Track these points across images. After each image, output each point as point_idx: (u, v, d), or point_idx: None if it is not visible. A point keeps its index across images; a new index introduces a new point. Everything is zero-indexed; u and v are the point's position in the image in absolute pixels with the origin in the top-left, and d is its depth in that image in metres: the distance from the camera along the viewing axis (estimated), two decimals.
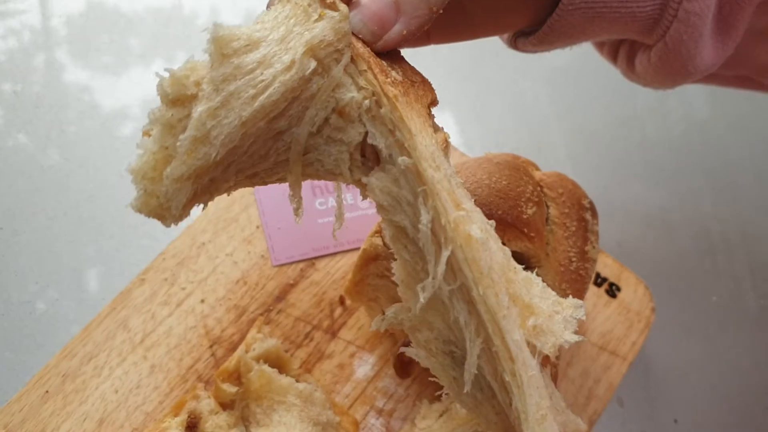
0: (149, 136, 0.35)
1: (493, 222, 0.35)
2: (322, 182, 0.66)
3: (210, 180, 0.33)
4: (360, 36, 0.36)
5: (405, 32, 0.37)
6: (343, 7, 0.34)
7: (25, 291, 0.65)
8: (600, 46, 0.54)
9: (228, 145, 0.32)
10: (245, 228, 0.63)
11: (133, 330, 0.59)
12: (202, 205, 0.36)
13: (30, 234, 0.68)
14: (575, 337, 0.35)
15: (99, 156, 0.74)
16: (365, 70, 0.34)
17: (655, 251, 0.71)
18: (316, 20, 0.34)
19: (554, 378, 0.51)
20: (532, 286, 0.36)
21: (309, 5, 0.34)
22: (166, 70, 0.32)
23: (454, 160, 0.41)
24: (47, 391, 0.56)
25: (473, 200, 0.35)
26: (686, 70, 0.47)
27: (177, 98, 0.33)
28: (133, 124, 0.77)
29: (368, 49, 0.35)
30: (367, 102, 0.34)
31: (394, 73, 0.36)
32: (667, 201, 0.76)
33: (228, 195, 0.37)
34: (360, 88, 0.34)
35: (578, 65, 0.85)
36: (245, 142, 0.33)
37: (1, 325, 0.63)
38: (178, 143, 0.32)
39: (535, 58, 0.83)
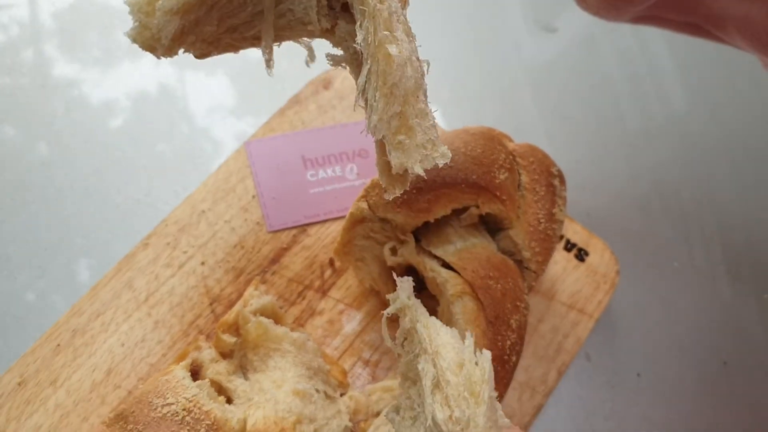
0: None
1: (427, 61, 0.39)
2: (313, 155, 0.70)
3: (195, 19, 0.37)
4: None
5: None
6: None
7: (15, 281, 0.68)
8: None
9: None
10: (242, 197, 0.68)
11: (137, 289, 0.63)
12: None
13: (18, 225, 0.71)
14: None
15: (87, 149, 0.76)
16: None
17: (622, 221, 0.76)
18: None
19: (523, 331, 0.56)
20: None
21: None
22: None
23: None
24: (59, 345, 0.60)
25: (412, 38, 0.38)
26: None
27: None
28: (122, 118, 0.79)
29: None
30: None
31: None
32: (637, 178, 0.80)
33: (209, 53, 0.40)
34: None
35: (561, 60, 0.89)
36: None
37: None
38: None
39: (518, 47, 0.88)
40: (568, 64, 0.89)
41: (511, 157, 0.60)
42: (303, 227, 0.67)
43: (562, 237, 0.68)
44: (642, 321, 0.70)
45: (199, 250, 0.65)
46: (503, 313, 0.54)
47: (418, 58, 0.38)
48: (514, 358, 0.54)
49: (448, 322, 0.55)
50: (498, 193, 0.57)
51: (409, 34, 0.38)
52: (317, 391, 0.56)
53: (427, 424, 0.38)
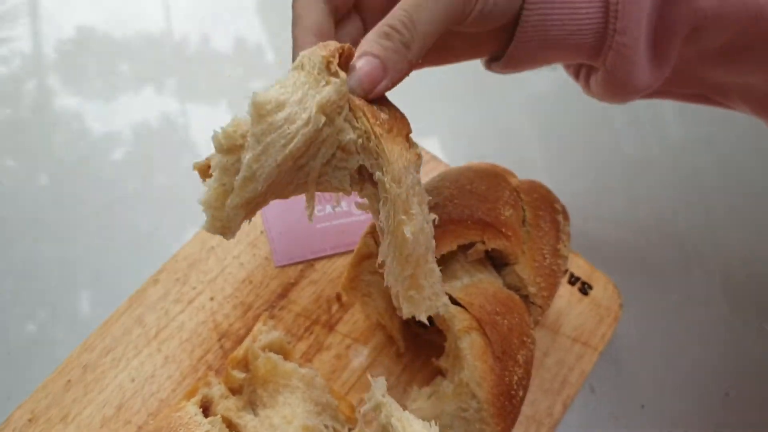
0: (200, 170, 0.47)
1: (434, 217, 0.47)
2: (320, 193, 0.71)
3: (255, 203, 0.44)
4: (355, 94, 0.45)
5: (390, 84, 0.46)
6: (342, 74, 0.44)
7: (16, 313, 0.68)
8: (566, 66, 0.60)
9: (268, 180, 0.42)
10: (250, 233, 0.69)
11: (148, 325, 0.64)
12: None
13: (21, 256, 0.71)
14: None
15: (89, 180, 0.77)
16: (360, 117, 0.44)
17: (624, 255, 0.77)
18: (324, 85, 0.43)
19: (530, 366, 0.57)
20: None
21: (318, 74, 0.43)
22: (219, 128, 0.42)
23: (438, 169, 0.54)
24: (69, 380, 0.61)
25: (428, 202, 0.47)
26: (626, 90, 0.55)
27: (229, 148, 0.43)
28: (124, 149, 0.80)
29: (363, 100, 0.45)
30: (360, 140, 0.44)
31: (382, 114, 0.45)
32: (637, 210, 0.81)
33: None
34: (356, 130, 0.44)
35: (558, 89, 0.91)
36: (279, 176, 0.43)
37: None
38: (234, 182, 0.42)
39: (517, 82, 0.90)
40: (567, 97, 0.90)
41: (515, 193, 0.61)
42: (310, 262, 0.68)
43: (566, 271, 0.69)
44: (645, 353, 0.71)
45: (208, 285, 0.66)
46: (510, 349, 0.55)
47: (428, 222, 0.46)
48: (521, 393, 0.55)
49: (456, 357, 0.56)
50: (503, 229, 0.58)
51: (422, 202, 0.46)
52: (326, 426, 0.56)
53: None
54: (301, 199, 0.70)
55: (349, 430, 0.59)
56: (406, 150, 0.45)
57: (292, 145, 0.43)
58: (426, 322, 0.48)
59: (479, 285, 0.58)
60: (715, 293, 0.76)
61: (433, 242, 0.47)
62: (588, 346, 0.66)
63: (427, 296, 0.47)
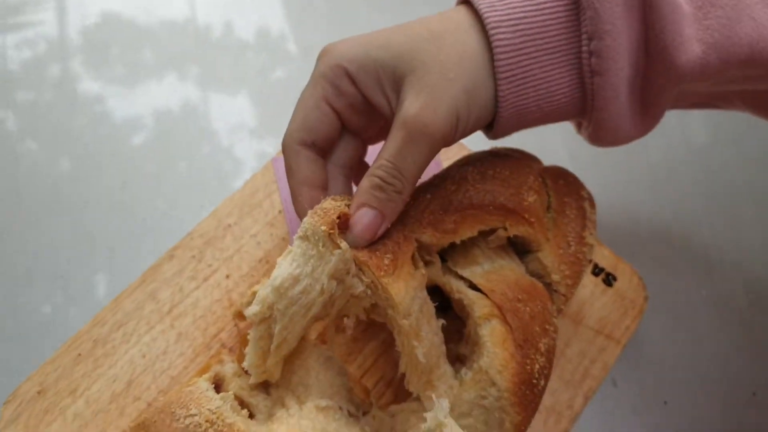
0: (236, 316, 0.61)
1: (442, 323, 0.54)
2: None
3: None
4: (358, 246, 0.49)
5: (388, 225, 0.50)
6: (343, 244, 0.48)
7: (32, 294, 0.68)
8: None
9: (297, 340, 0.52)
10: (268, 213, 0.68)
11: (161, 301, 0.63)
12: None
13: (41, 238, 0.71)
14: None
15: (110, 165, 0.77)
16: (367, 271, 0.49)
17: (648, 249, 0.75)
18: (330, 254, 0.48)
19: (551, 355, 0.55)
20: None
21: (322, 247, 0.48)
22: (252, 307, 0.50)
23: (461, 155, 0.58)
24: (79, 354, 0.60)
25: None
26: (614, 143, 0.55)
27: (262, 319, 0.50)
28: (145, 135, 0.79)
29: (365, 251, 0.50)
30: (368, 290, 0.50)
31: (385, 258, 0.50)
32: (662, 208, 0.79)
33: None
34: (363, 282, 0.50)
35: None
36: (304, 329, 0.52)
37: (7, 328, 0.66)
38: (271, 347, 0.51)
39: None
40: None
41: (540, 179, 0.60)
42: None
43: (590, 261, 0.67)
44: (670, 348, 0.69)
45: (224, 263, 0.65)
46: (532, 337, 0.53)
47: (437, 334, 0.53)
48: (542, 382, 0.53)
49: (475, 344, 0.54)
50: (526, 216, 0.57)
51: (431, 317, 0.53)
52: (340, 408, 0.55)
53: None
54: None
55: (364, 413, 0.58)
56: (411, 278, 0.51)
57: (312, 311, 0.50)
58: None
59: (501, 271, 0.56)
60: (741, 293, 0.73)
61: (443, 347, 0.54)
62: (611, 339, 0.64)
63: (442, 392, 0.53)
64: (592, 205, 0.61)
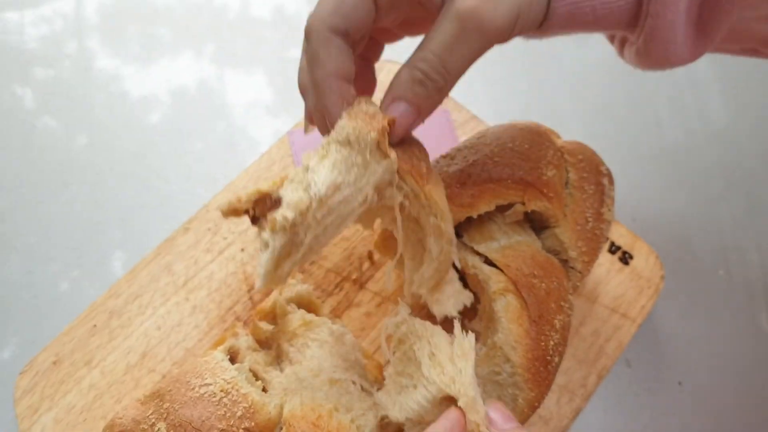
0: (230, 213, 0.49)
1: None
2: None
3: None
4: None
5: (420, 123, 0.47)
6: (392, 154, 0.45)
7: (49, 269, 0.68)
8: None
9: (321, 251, 0.50)
10: None
11: (176, 273, 0.63)
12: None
13: (58, 213, 0.72)
14: None
15: (126, 141, 0.77)
16: (409, 180, 0.46)
17: (666, 228, 0.75)
18: (377, 164, 0.45)
19: (566, 332, 0.54)
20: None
21: (369, 156, 0.45)
22: (285, 211, 0.44)
23: (479, 129, 0.55)
24: (95, 326, 0.60)
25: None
26: (663, 64, 0.52)
27: (291, 225, 0.45)
28: (160, 112, 0.80)
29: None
30: (407, 201, 0.47)
31: (422, 165, 0.47)
32: (680, 188, 0.79)
33: None
34: (402, 190, 0.47)
35: (604, 68, 0.88)
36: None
37: (25, 302, 0.66)
38: (297, 255, 0.46)
39: (561, 60, 0.87)
40: (608, 71, 0.87)
41: (559, 153, 0.59)
42: None
43: (607, 239, 0.67)
44: (684, 329, 0.68)
45: (239, 236, 0.65)
46: (547, 313, 0.53)
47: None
48: (556, 359, 0.53)
49: (490, 320, 0.54)
50: (545, 190, 0.56)
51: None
52: (353, 383, 0.55)
53: (423, 383, 0.47)
54: None
55: (377, 389, 0.58)
56: (439, 182, 0.49)
57: (348, 221, 0.47)
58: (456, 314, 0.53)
59: (517, 247, 0.56)
60: (759, 274, 0.73)
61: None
62: (626, 318, 0.64)
63: (450, 294, 0.52)
64: (611, 181, 0.61)
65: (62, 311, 0.65)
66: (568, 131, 0.80)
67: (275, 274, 0.46)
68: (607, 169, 0.61)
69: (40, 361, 0.59)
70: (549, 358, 0.52)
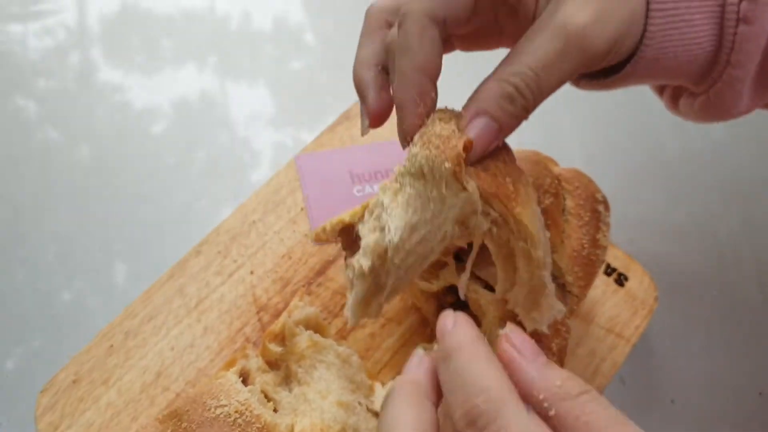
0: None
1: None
2: (360, 171, 0.72)
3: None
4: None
5: (499, 144, 0.43)
6: (471, 185, 0.41)
7: (52, 282, 0.70)
8: None
9: (408, 287, 0.49)
10: (291, 209, 0.70)
11: (188, 295, 0.65)
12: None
13: (58, 226, 0.73)
14: None
15: (128, 153, 0.78)
16: (497, 204, 0.42)
17: (661, 248, 0.77)
18: (455, 197, 0.41)
19: (563, 354, 0.57)
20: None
21: (446, 189, 0.41)
22: (362, 260, 0.43)
23: None
24: (112, 346, 0.63)
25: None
26: (724, 117, 0.51)
27: (373, 271, 0.44)
28: (163, 123, 0.81)
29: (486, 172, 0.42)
30: (494, 228, 0.43)
31: (508, 182, 0.42)
32: (676, 207, 0.81)
33: None
34: (488, 217, 0.43)
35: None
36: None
37: (36, 317, 0.68)
38: (383, 296, 0.46)
39: None
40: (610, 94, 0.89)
41: (556, 181, 0.61)
42: None
43: (603, 262, 0.69)
44: (678, 348, 0.71)
45: (249, 259, 0.67)
46: (544, 337, 0.55)
47: (547, 248, 0.45)
48: None
49: (491, 343, 0.56)
50: (543, 218, 0.58)
51: (545, 230, 0.46)
52: (360, 404, 0.57)
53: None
54: (342, 178, 0.72)
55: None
56: (529, 198, 0.44)
57: (430, 259, 0.45)
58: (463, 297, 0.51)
59: None
60: (752, 293, 0.75)
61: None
62: (621, 338, 0.66)
63: (546, 309, 0.47)
64: (607, 207, 0.63)
65: (73, 327, 0.68)
66: (566, 152, 0.83)
67: (365, 311, 0.47)
68: (603, 196, 0.63)
69: (60, 379, 0.61)
70: None
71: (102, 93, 0.83)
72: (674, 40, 0.45)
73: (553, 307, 0.47)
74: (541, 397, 0.34)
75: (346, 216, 0.45)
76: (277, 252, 0.68)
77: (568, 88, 0.88)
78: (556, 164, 0.64)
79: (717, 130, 0.87)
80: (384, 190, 0.43)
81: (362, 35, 0.47)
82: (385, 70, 0.47)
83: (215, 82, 0.85)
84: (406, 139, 0.44)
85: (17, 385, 0.64)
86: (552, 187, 0.60)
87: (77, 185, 0.76)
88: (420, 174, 0.42)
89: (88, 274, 0.71)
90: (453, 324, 0.38)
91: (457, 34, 0.49)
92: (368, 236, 0.43)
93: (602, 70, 0.48)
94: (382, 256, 0.43)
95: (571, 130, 0.86)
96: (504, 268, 0.48)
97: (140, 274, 0.69)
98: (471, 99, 0.42)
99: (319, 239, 0.48)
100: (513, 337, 0.38)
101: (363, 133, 0.48)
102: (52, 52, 0.85)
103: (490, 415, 0.33)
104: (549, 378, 0.35)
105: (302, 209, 0.70)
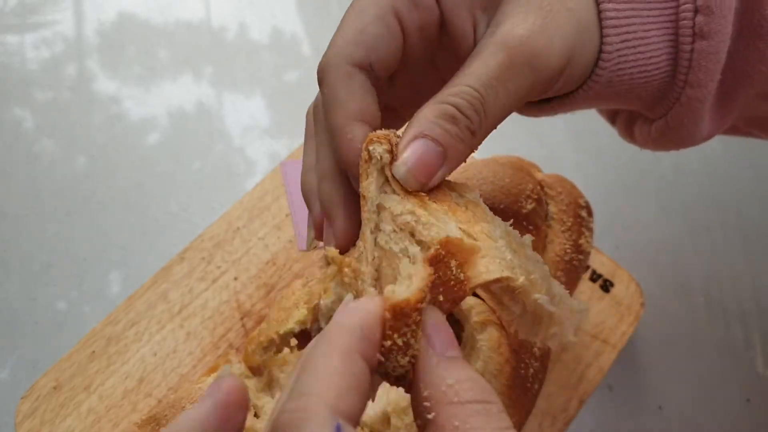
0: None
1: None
2: None
3: None
4: (406, 185, 0.37)
5: (446, 174, 0.38)
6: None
7: (51, 290, 0.70)
8: (600, 109, 0.56)
9: None
10: (276, 216, 0.70)
11: (172, 301, 0.65)
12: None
13: (57, 235, 0.73)
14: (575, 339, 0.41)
15: (124, 163, 0.78)
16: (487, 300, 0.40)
17: (649, 254, 0.77)
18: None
19: (546, 360, 0.57)
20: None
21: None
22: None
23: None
24: (94, 351, 0.63)
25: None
26: (683, 144, 0.48)
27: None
28: (160, 134, 0.81)
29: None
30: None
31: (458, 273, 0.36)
32: (664, 212, 0.81)
33: None
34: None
35: None
36: None
37: (24, 324, 0.68)
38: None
39: None
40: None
41: (539, 187, 0.61)
42: None
43: (587, 267, 0.69)
44: (665, 354, 0.70)
45: (233, 265, 0.67)
46: (527, 342, 0.55)
47: (537, 261, 0.41)
48: (536, 386, 0.55)
49: (473, 348, 0.56)
50: (525, 223, 0.58)
51: (526, 247, 0.40)
52: None
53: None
54: None
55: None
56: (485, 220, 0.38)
57: None
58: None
59: None
60: (742, 298, 0.75)
61: (546, 268, 0.43)
62: (607, 344, 0.66)
63: (566, 324, 0.42)
64: (590, 213, 0.63)
65: (61, 334, 0.67)
66: (555, 157, 0.83)
67: None
68: (586, 201, 0.63)
69: (40, 385, 0.61)
70: (529, 385, 0.55)
71: (98, 103, 0.83)
72: (629, 60, 0.41)
73: (573, 311, 0.41)
74: (425, 394, 0.30)
75: (294, 321, 0.43)
76: (262, 258, 0.68)
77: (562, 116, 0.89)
78: (539, 170, 0.64)
79: (711, 145, 0.87)
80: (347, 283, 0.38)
81: (305, 140, 0.43)
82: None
83: (211, 93, 0.85)
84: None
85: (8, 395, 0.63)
86: (534, 193, 0.60)
87: (73, 195, 0.76)
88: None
89: (85, 286, 0.71)
90: (356, 301, 0.32)
91: (398, 80, 0.44)
92: None
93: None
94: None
95: (561, 136, 0.86)
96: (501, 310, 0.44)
97: (132, 281, 0.69)
98: (409, 124, 0.38)
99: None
100: (428, 322, 0.32)
101: (308, 248, 0.43)
102: (49, 63, 0.86)
103: (291, 427, 0.27)
104: (442, 375, 0.30)
105: (287, 215, 0.70)
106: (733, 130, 0.54)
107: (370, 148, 0.37)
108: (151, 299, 0.65)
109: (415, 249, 0.36)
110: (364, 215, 0.37)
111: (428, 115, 0.37)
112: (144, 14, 0.91)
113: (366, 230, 0.37)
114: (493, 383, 0.53)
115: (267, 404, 0.56)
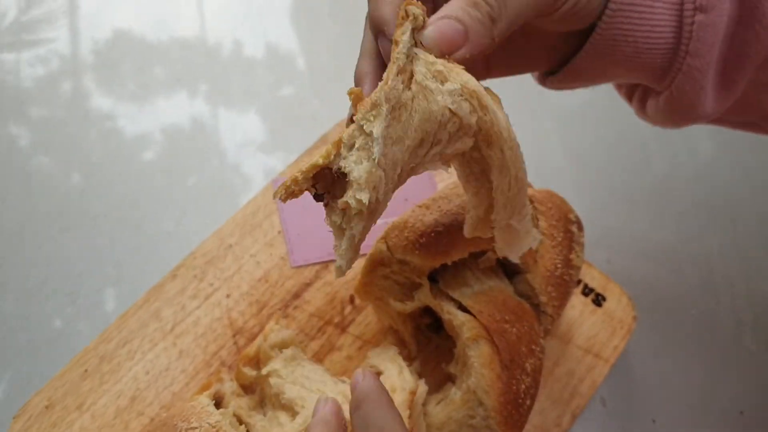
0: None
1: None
2: None
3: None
4: (428, 45, 0.41)
5: (467, 55, 0.42)
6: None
7: (43, 308, 0.70)
8: (618, 86, 0.59)
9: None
10: (268, 233, 0.70)
11: (164, 319, 0.65)
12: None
13: (51, 252, 0.73)
14: None
15: (120, 180, 0.79)
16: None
17: (642, 267, 0.77)
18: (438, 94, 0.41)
19: (538, 375, 0.57)
20: None
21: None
22: (362, 194, 0.39)
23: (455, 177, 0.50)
24: (86, 370, 0.63)
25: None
26: (689, 116, 0.52)
27: (370, 205, 0.40)
28: (155, 151, 0.82)
29: None
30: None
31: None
32: (655, 226, 0.81)
33: None
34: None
35: (589, 107, 0.90)
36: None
37: (19, 341, 0.68)
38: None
39: (548, 97, 0.89)
40: (596, 109, 0.90)
41: (530, 202, 0.61)
42: (325, 263, 0.69)
43: (579, 282, 0.69)
44: (658, 367, 0.70)
45: (225, 282, 0.67)
46: (518, 357, 0.55)
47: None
48: (528, 402, 0.55)
49: (464, 364, 0.56)
50: None
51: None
52: None
53: None
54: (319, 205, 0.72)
55: None
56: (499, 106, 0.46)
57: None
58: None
59: (489, 293, 0.58)
60: (734, 310, 0.75)
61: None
62: (600, 358, 0.66)
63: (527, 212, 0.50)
64: (580, 227, 0.63)
65: (56, 352, 0.67)
66: (547, 169, 0.83)
67: (356, 255, 0.43)
68: (576, 217, 0.63)
69: (33, 404, 0.61)
70: (521, 401, 0.55)
71: (94, 120, 0.83)
72: (634, 22, 0.47)
73: (528, 233, 0.49)
74: None
75: (319, 159, 0.40)
76: (254, 275, 0.68)
77: (551, 107, 0.90)
78: (529, 185, 0.65)
79: (702, 148, 0.87)
80: (365, 119, 0.39)
81: (364, 33, 0.47)
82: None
83: (206, 109, 0.86)
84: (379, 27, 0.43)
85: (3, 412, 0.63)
86: None
87: (69, 212, 0.76)
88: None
89: (80, 303, 0.71)
90: (362, 377, 0.44)
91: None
92: (357, 168, 0.39)
93: (564, 61, 0.51)
94: (377, 189, 0.40)
95: (556, 149, 0.87)
96: (477, 190, 0.49)
97: (126, 298, 0.69)
98: (436, 13, 0.42)
99: (290, 192, 0.41)
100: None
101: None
102: (45, 80, 0.86)
103: None
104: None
105: (279, 232, 0.70)
106: (755, 127, 0.59)
107: (408, 8, 0.41)
108: (143, 317, 0.65)
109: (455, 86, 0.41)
110: (393, 55, 0.40)
111: (453, 3, 0.42)
112: (139, 32, 0.92)
113: (393, 67, 0.40)
114: (485, 400, 0.53)
115: (258, 422, 0.56)
